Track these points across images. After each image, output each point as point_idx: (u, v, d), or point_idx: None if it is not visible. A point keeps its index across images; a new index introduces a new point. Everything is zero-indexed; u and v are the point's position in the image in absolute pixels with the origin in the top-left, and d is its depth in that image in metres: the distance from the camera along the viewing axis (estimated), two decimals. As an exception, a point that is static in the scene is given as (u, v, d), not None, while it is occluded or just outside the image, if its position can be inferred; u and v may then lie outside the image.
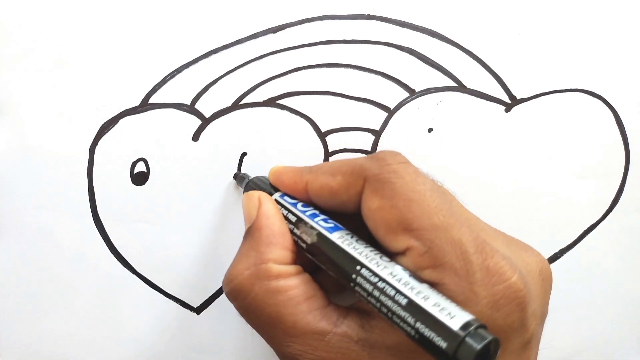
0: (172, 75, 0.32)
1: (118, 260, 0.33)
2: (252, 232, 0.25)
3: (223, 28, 0.32)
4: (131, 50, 0.32)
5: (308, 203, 0.27)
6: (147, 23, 0.32)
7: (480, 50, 0.33)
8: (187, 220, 0.33)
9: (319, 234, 0.24)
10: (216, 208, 0.33)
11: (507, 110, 0.34)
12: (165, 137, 0.32)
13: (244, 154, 0.33)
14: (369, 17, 0.32)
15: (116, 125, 0.32)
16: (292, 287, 0.24)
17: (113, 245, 0.33)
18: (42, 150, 0.32)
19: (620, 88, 0.34)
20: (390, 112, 0.33)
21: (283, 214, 0.26)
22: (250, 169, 0.33)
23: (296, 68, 0.32)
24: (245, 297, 0.24)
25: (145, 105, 0.32)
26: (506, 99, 0.33)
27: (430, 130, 0.33)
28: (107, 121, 0.32)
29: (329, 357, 0.23)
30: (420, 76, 0.33)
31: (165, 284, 0.33)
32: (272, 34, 0.32)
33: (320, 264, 0.25)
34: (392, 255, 0.23)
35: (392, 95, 0.33)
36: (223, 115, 0.32)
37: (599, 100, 0.34)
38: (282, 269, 0.24)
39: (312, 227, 0.25)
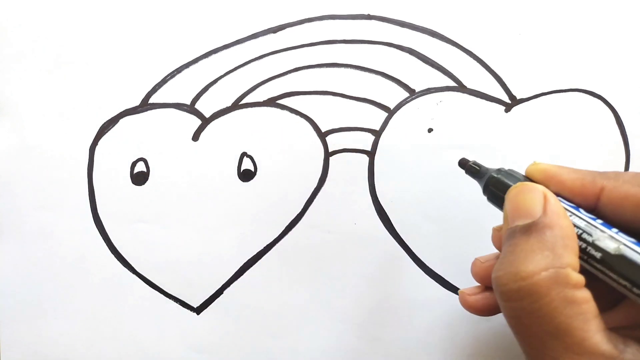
0: (172, 75, 0.32)
1: (118, 260, 0.33)
2: (540, 230, 0.23)
3: (223, 28, 0.32)
4: (131, 50, 0.32)
5: (589, 210, 0.24)
6: (147, 23, 0.32)
7: (480, 50, 0.33)
8: (187, 220, 0.33)
9: (627, 246, 0.22)
10: (216, 208, 0.33)
11: (507, 110, 0.33)
12: (165, 137, 0.32)
13: (243, 154, 0.33)
14: (369, 17, 0.32)
15: (116, 125, 0.32)
16: (586, 300, 0.22)
17: (113, 245, 0.33)
18: (42, 150, 0.32)
19: (620, 88, 0.34)
20: (390, 112, 0.33)
21: None
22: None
23: (296, 68, 0.32)
24: (537, 299, 0.22)
25: (145, 105, 0.32)
26: (506, 99, 0.33)
27: (430, 130, 0.33)
28: (107, 121, 0.32)
29: None
30: (420, 76, 0.33)
31: (165, 284, 0.33)
32: (272, 34, 0.32)
33: (612, 281, 0.23)
34: None
35: (392, 95, 0.33)
36: (223, 115, 0.32)
37: (599, 100, 0.34)
38: (579, 277, 0.22)
39: (612, 237, 0.23)
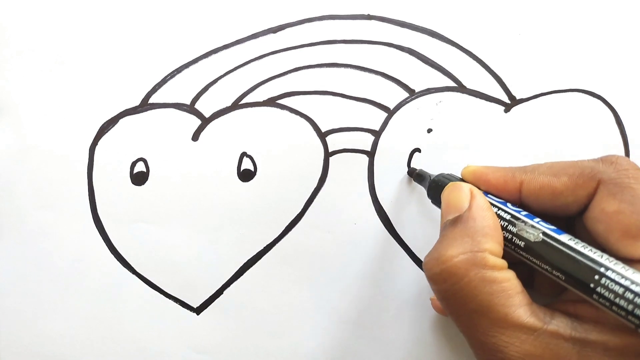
0: (172, 75, 0.32)
1: (118, 260, 0.33)
2: (463, 221, 0.25)
3: (223, 28, 0.32)
4: (131, 50, 0.32)
5: (516, 204, 0.27)
6: (147, 23, 0.32)
7: (480, 50, 0.33)
8: (187, 220, 0.33)
9: (545, 234, 0.24)
10: (216, 208, 0.33)
11: (506, 111, 0.34)
12: (165, 137, 0.32)
13: (243, 154, 0.33)
14: (369, 17, 0.32)
15: (116, 125, 0.32)
16: (507, 279, 0.24)
17: (113, 245, 0.33)
18: (42, 150, 0.32)
19: (620, 88, 0.34)
20: (390, 112, 0.33)
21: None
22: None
23: (296, 68, 0.32)
24: (457, 280, 0.24)
25: (145, 105, 0.32)
26: (506, 99, 0.33)
27: (429, 130, 0.33)
28: (107, 121, 0.32)
29: (536, 353, 0.23)
30: (420, 76, 0.33)
31: (165, 284, 0.33)
32: (272, 34, 0.32)
33: (536, 265, 0.25)
34: (625, 262, 0.23)
35: (392, 95, 0.33)
36: (223, 115, 0.33)
37: (599, 100, 0.34)
38: (498, 260, 0.24)
39: (533, 227, 0.25)
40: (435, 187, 0.29)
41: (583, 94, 0.34)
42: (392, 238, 0.33)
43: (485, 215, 0.25)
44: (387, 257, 0.33)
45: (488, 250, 0.24)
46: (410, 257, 0.33)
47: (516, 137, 0.33)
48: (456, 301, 0.24)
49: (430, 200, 0.30)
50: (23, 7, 0.32)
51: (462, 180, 0.29)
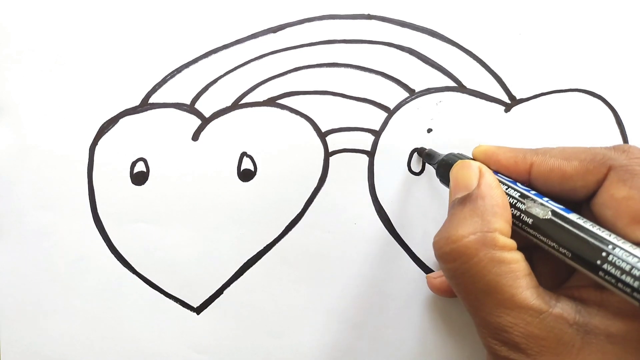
0: (172, 75, 0.32)
1: (118, 260, 0.33)
2: (473, 200, 0.25)
3: (223, 28, 0.32)
4: (131, 50, 0.32)
5: (525, 184, 0.27)
6: (147, 23, 0.32)
7: (480, 50, 0.33)
8: (187, 220, 0.33)
9: (554, 212, 0.24)
10: (216, 208, 0.33)
11: (506, 111, 0.34)
12: (165, 137, 0.32)
13: (243, 154, 0.33)
14: (369, 17, 0.32)
15: (116, 125, 0.32)
16: (515, 260, 0.24)
17: (113, 245, 0.33)
18: (42, 150, 0.32)
19: (620, 88, 0.34)
20: (390, 112, 0.33)
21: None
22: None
23: (296, 68, 0.32)
24: (467, 260, 0.24)
25: (145, 105, 0.32)
26: (506, 99, 0.33)
27: (429, 130, 0.33)
28: (107, 121, 0.32)
29: (540, 335, 0.23)
30: (420, 76, 0.33)
31: (165, 284, 0.33)
32: (272, 34, 0.32)
33: (543, 244, 0.25)
34: None
35: (392, 95, 0.33)
36: (223, 115, 0.33)
37: (599, 100, 0.34)
38: (507, 241, 0.24)
39: (542, 205, 0.25)
40: (444, 165, 0.29)
41: (583, 94, 0.34)
42: (392, 238, 0.33)
43: (494, 194, 0.25)
44: (387, 257, 0.33)
45: (498, 230, 0.24)
46: (410, 257, 0.33)
47: (516, 137, 0.33)
48: (464, 280, 0.24)
49: (438, 181, 0.30)
50: (23, 7, 0.32)
51: (472, 159, 0.29)
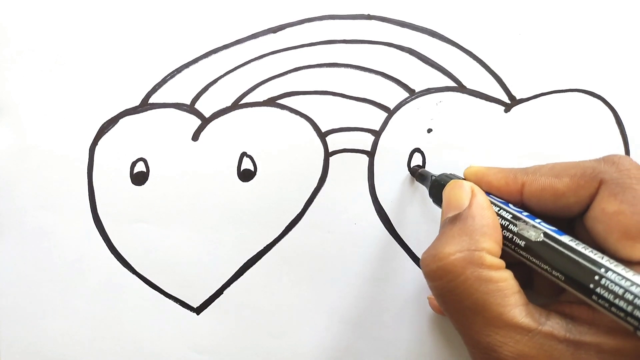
0: (172, 75, 0.32)
1: (118, 260, 0.33)
2: (463, 219, 0.25)
3: (223, 28, 0.32)
4: (131, 50, 0.32)
5: (518, 205, 0.27)
6: (147, 23, 0.32)
7: (480, 50, 0.33)
8: (187, 220, 0.33)
9: (546, 234, 0.24)
10: (216, 208, 0.33)
11: (506, 111, 0.34)
12: (165, 137, 0.32)
13: (243, 154, 0.33)
14: (369, 17, 0.32)
15: (116, 125, 0.32)
16: (503, 279, 0.24)
17: (113, 245, 0.33)
18: (42, 150, 0.32)
19: (620, 88, 0.34)
20: (390, 112, 0.33)
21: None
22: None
23: (296, 68, 0.32)
24: (453, 278, 0.24)
25: (145, 105, 0.32)
26: (506, 99, 0.33)
27: (429, 130, 0.33)
28: (107, 121, 0.32)
29: (530, 353, 0.23)
30: (420, 76, 0.33)
31: (165, 284, 0.33)
32: (272, 34, 0.32)
33: (535, 265, 0.24)
34: (623, 263, 0.23)
35: (392, 95, 0.33)
36: (223, 115, 0.33)
37: (599, 100, 0.34)
38: (495, 260, 0.24)
39: (534, 227, 0.25)
40: (437, 186, 0.29)
41: (583, 94, 0.34)
42: (392, 238, 0.33)
43: (484, 214, 0.25)
44: (387, 257, 0.33)
45: (486, 249, 0.24)
46: (410, 257, 0.33)
47: (516, 137, 0.33)
48: (452, 299, 0.24)
49: (431, 200, 0.30)
50: (23, 7, 0.32)
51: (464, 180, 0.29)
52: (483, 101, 0.33)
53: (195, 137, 0.33)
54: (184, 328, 0.33)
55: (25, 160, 0.32)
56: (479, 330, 0.24)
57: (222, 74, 0.32)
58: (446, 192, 0.28)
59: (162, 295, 0.33)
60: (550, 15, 0.33)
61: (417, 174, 0.32)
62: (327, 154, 0.33)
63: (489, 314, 0.23)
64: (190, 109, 0.32)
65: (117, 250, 0.33)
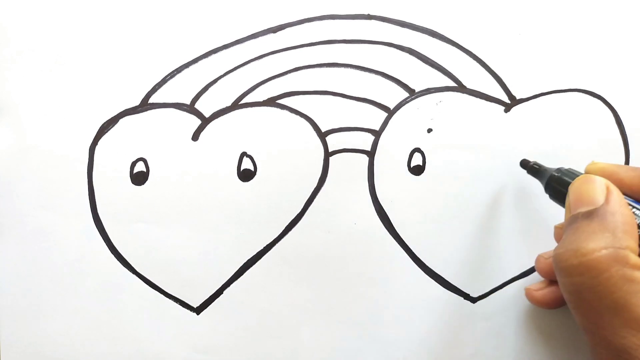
0: (172, 75, 0.32)
1: (118, 260, 0.33)
2: (601, 215, 0.25)
3: (223, 28, 0.32)
4: (131, 50, 0.32)
5: None
6: (147, 23, 0.32)
7: (480, 50, 0.33)
8: (187, 220, 0.33)
9: None
10: (216, 208, 0.33)
11: (506, 111, 0.34)
12: (165, 137, 0.32)
13: (243, 154, 0.33)
14: (369, 17, 0.32)
15: (116, 125, 0.32)
16: None
17: (113, 245, 0.33)
18: (42, 150, 0.32)
19: (620, 88, 0.34)
20: (390, 112, 0.33)
21: None
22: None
23: (296, 68, 0.32)
24: (597, 275, 0.23)
25: (145, 105, 0.32)
26: (506, 99, 0.33)
27: (429, 130, 0.33)
28: (107, 121, 0.32)
29: None
30: (420, 76, 0.33)
31: (165, 284, 0.33)
32: (272, 34, 0.32)
33: None
34: None
35: (392, 95, 0.33)
36: (223, 115, 0.33)
37: (599, 101, 0.34)
38: (638, 259, 0.24)
39: None
40: (557, 180, 0.29)
41: (583, 94, 0.34)
42: (392, 238, 0.33)
43: (624, 212, 0.25)
44: (387, 257, 0.33)
45: (630, 247, 0.24)
46: (410, 257, 0.33)
47: (516, 137, 0.33)
48: (590, 296, 0.24)
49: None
50: (23, 7, 0.32)
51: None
52: (483, 101, 0.33)
53: (195, 137, 0.33)
54: (184, 328, 0.33)
55: (25, 160, 0.32)
56: (614, 330, 0.23)
57: (222, 74, 0.32)
58: (576, 186, 0.27)
59: (162, 295, 0.33)
60: (550, 15, 0.33)
61: (529, 166, 0.32)
62: (327, 154, 0.33)
63: (629, 315, 0.23)
64: (190, 109, 0.32)
65: (117, 250, 0.33)
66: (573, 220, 0.26)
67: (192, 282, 0.33)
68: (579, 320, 0.25)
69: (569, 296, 0.25)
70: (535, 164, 0.32)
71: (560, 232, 0.31)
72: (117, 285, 0.33)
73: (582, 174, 0.28)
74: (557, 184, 0.29)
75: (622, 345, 0.23)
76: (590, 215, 0.25)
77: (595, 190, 0.26)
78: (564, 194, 0.28)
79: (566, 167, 0.30)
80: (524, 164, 0.32)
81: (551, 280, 0.32)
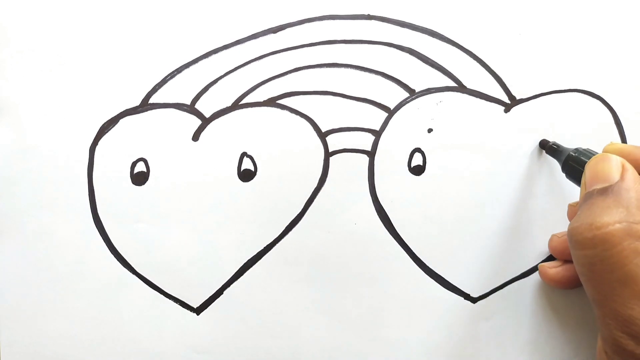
0: (172, 75, 0.32)
1: (118, 260, 0.33)
2: (616, 191, 0.26)
3: (223, 28, 0.32)
4: (131, 50, 0.32)
5: None
6: (147, 23, 0.32)
7: (480, 50, 0.33)
8: (187, 220, 0.33)
9: None
10: (216, 208, 0.33)
11: (506, 111, 0.34)
12: (165, 137, 0.32)
13: (243, 154, 0.33)
14: (369, 17, 0.33)
15: (116, 125, 0.32)
16: None
17: (113, 245, 0.33)
18: (42, 150, 0.32)
19: (619, 89, 0.34)
20: (390, 112, 0.33)
21: None
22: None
23: (296, 68, 0.32)
24: (609, 247, 0.24)
25: (145, 105, 0.32)
26: (506, 99, 0.33)
27: (430, 130, 0.33)
28: (107, 121, 0.32)
29: None
30: (420, 76, 0.33)
31: (165, 284, 0.33)
32: (272, 34, 0.32)
33: None
34: None
35: (392, 95, 0.33)
36: (223, 115, 0.33)
37: (598, 101, 0.34)
38: None
39: None
40: (575, 159, 0.30)
41: (582, 94, 0.34)
42: (392, 238, 0.33)
43: (638, 189, 0.26)
44: (387, 257, 0.33)
45: None
46: (410, 257, 0.33)
47: (516, 137, 0.34)
48: (601, 268, 0.25)
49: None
50: (23, 7, 0.32)
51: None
52: (483, 101, 0.33)
53: (195, 137, 0.33)
54: (184, 328, 0.33)
55: (25, 160, 0.32)
56: (623, 302, 0.24)
57: (222, 74, 0.32)
58: (592, 164, 0.28)
59: (162, 295, 0.33)
60: (550, 15, 0.33)
61: (548, 146, 0.33)
62: (327, 154, 0.33)
63: (639, 287, 0.24)
64: (191, 109, 0.32)
65: (117, 250, 0.33)
66: (588, 196, 0.27)
67: (192, 282, 0.33)
68: (590, 292, 0.26)
69: (581, 268, 0.26)
70: (554, 143, 0.33)
71: (573, 210, 0.32)
72: (117, 285, 0.33)
73: (599, 153, 0.29)
74: (574, 163, 0.30)
75: (629, 316, 0.24)
76: (605, 191, 0.26)
77: (611, 168, 0.27)
78: (580, 172, 0.29)
79: (588, 149, 0.30)
80: (543, 144, 0.33)
81: (565, 260, 0.33)
